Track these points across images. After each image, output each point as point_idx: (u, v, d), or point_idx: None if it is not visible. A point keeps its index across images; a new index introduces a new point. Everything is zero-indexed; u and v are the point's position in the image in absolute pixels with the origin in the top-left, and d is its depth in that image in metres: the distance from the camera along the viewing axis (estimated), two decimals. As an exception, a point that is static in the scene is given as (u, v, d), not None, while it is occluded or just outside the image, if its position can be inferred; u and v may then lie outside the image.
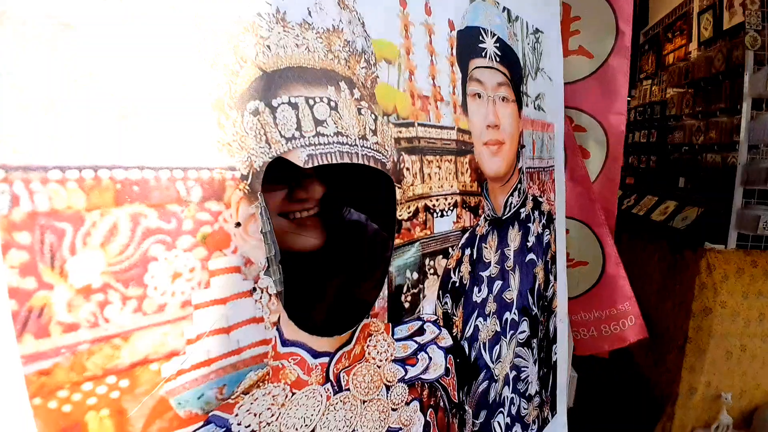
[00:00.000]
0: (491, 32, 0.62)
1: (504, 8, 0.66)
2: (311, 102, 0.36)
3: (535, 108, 0.75)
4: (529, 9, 0.75)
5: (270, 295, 0.34)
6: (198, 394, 0.30)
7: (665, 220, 2.04)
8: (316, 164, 0.36)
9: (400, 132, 0.46)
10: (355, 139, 0.40)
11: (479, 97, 0.60)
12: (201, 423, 0.30)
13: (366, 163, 0.41)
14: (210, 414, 0.31)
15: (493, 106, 0.63)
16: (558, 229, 0.87)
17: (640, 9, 3.32)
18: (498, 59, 0.63)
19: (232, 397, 0.32)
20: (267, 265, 0.33)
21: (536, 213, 0.77)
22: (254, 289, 0.33)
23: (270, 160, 0.33)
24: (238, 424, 0.32)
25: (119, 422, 0.27)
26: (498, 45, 0.64)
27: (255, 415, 0.34)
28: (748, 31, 1.61)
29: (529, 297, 0.76)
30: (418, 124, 0.48)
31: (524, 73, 0.71)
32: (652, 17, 3.27)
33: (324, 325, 0.39)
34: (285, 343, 0.35)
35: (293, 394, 0.36)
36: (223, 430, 0.32)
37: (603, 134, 0.99)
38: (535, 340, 0.79)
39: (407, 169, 0.47)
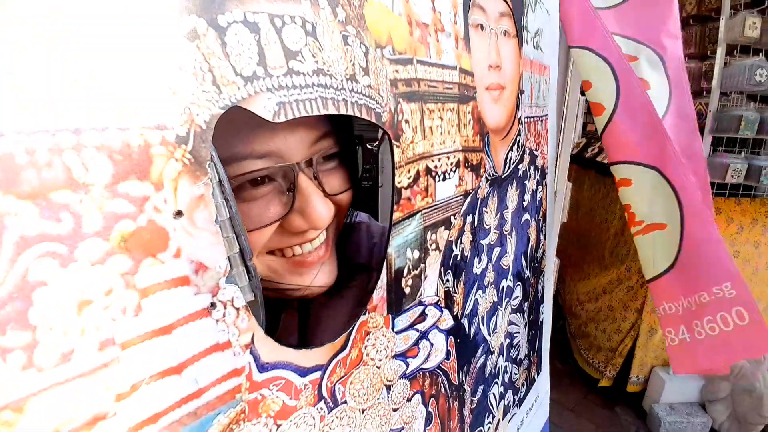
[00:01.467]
0: (493, -55, 0.50)
1: None
2: (278, 23, 0.25)
3: (534, 46, 0.65)
4: None
5: (237, 309, 0.24)
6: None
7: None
8: (289, 116, 0.25)
9: (397, 71, 0.35)
10: (341, 81, 0.29)
11: (482, 28, 0.49)
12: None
13: (358, 114, 0.30)
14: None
15: (495, 41, 0.53)
16: (549, 183, 0.80)
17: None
18: (500, -17, 0.52)
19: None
20: (229, 267, 0.23)
21: (532, 168, 0.69)
22: (213, 304, 0.23)
23: (221, 111, 0.22)
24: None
25: None
26: (501, -37, 0.52)
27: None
28: None
29: (523, 260, 0.70)
30: (417, 62, 0.37)
31: (525, 3, 0.60)
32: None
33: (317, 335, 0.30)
34: (263, 368, 0.26)
35: (278, 427, 0.28)
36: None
37: (659, 60, 0.87)
38: (526, 304, 0.75)
39: (406, 121, 0.36)
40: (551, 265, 0.86)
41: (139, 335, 0.20)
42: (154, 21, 0.19)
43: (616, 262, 2.13)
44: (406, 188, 0.37)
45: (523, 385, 0.78)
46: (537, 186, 0.73)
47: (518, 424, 0.79)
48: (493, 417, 0.66)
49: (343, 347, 0.33)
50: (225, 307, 0.23)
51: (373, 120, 0.32)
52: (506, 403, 0.71)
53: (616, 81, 0.81)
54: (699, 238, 0.74)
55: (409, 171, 0.37)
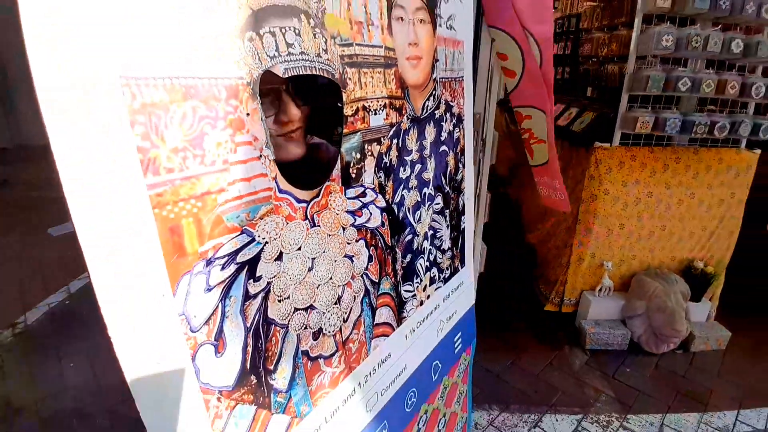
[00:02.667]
0: (410, -36, 0.79)
1: (420, -59, 0.82)
2: (283, 30, 0.55)
3: (447, 28, 0.95)
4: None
5: (269, 160, 0.55)
6: (236, 215, 0.52)
7: (568, 125, 2.41)
8: (290, 75, 0.56)
9: (343, 50, 0.65)
10: (313, 56, 0.59)
11: (402, 20, 0.79)
12: (239, 232, 0.53)
13: (321, 74, 0.61)
14: (243, 228, 0.54)
15: (413, 27, 0.83)
16: (467, 127, 1.12)
17: None
18: (416, -13, 0.81)
19: (254, 220, 0.55)
20: (267, 141, 0.54)
21: (448, 114, 1.01)
22: (260, 156, 0.54)
23: (262, 72, 0.52)
24: (258, 236, 0.56)
25: (198, 226, 0.49)
26: (415, -25, 0.81)
27: (267, 232, 0.57)
28: None
29: (443, 178, 1.03)
30: (356, 44, 0.68)
31: (438, -3, 0.90)
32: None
33: (303, 182, 0.62)
34: (280, 191, 0.58)
35: (287, 223, 0.60)
36: (250, 238, 0.55)
37: (534, 42, 1.20)
38: (447, 211, 1.08)
39: (350, 78, 0.67)
40: (470, 188, 1.20)
41: (235, 161, 0.51)
42: (231, 34, 0.49)
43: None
44: (350, 116, 0.68)
45: (447, 269, 1.14)
46: (453, 128, 1.05)
47: (444, 296, 1.14)
48: (421, 280, 1.00)
49: (318, 194, 0.65)
50: (265, 159, 0.55)
51: (330, 77, 0.62)
52: (432, 275, 1.05)
53: (522, 55, 1.15)
54: (553, 157, 1.31)
55: (352, 107, 0.68)
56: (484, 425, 1.78)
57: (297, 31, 0.56)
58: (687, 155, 2.12)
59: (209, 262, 0.50)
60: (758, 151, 2.17)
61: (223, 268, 0.52)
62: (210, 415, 0.53)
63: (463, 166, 1.14)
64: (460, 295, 1.24)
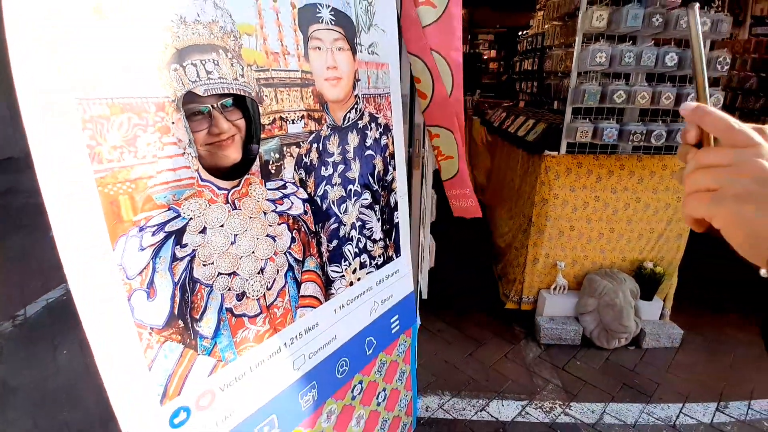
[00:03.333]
0: (326, 5, 1.00)
1: (337, -14, 1.03)
2: (203, 62, 0.74)
3: (368, 53, 1.15)
4: (365, -20, 1.12)
5: (191, 156, 0.75)
6: (164, 196, 0.72)
7: (524, 135, 2.61)
8: (209, 94, 0.76)
9: (260, 75, 0.85)
10: (231, 80, 0.79)
11: (319, 49, 0.99)
12: (166, 208, 0.72)
13: (239, 92, 0.80)
14: (170, 205, 0.73)
15: (332, 54, 1.03)
16: (395, 135, 1.32)
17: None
18: (333, 23, 1.02)
19: (179, 200, 0.74)
20: (189, 142, 0.74)
21: (373, 124, 1.20)
22: (184, 152, 0.73)
23: (185, 92, 0.72)
24: (183, 213, 0.75)
25: (132, 202, 0.68)
26: (333, 12, 1.01)
27: (192, 210, 0.76)
28: None
29: (370, 178, 1.22)
30: (272, 70, 0.88)
31: (357, 29, 1.10)
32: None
33: (223, 175, 0.81)
34: (201, 179, 0.77)
35: (209, 205, 0.79)
36: (176, 214, 0.74)
37: (447, 66, 1.41)
38: (377, 206, 1.27)
39: (266, 96, 0.87)
40: (402, 187, 1.39)
41: (163, 156, 0.70)
42: (159, 66, 0.69)
43: (519, 212, 2.70)
44: (267, 125, 0.88)
45: (380, 256, 1.32)
46: (380, 135, 1.24)
47: (377, 280, 1.33)
48: (349, 264, 1.19)
49: (238, 184, 0.84)
50: (188, 155, 0.74)
51: (247, 95, 0.82)
52: (362, 261, 1.24)
53: (432, 81, 1.36)
54: (463, 168, 1.49)
55: (269, 117, 0.88)
56: (434, 408, 1.95)
57: (216, 61, 0.76)
58: (631, 162, 2.31)
59: (141, 229, 0.69)
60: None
61: (153, 234, 0.71)
62: (143, 345, 0.71)
63: (394, 169, 1.33)
64: (396, 281, 1.42)
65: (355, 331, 1.26)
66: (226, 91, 0.78)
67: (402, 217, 1.41)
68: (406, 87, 1.48)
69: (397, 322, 1.47)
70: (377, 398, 1.45)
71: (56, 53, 0.57)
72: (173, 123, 0.71)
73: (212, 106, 0.80)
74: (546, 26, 3.08)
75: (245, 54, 0.82)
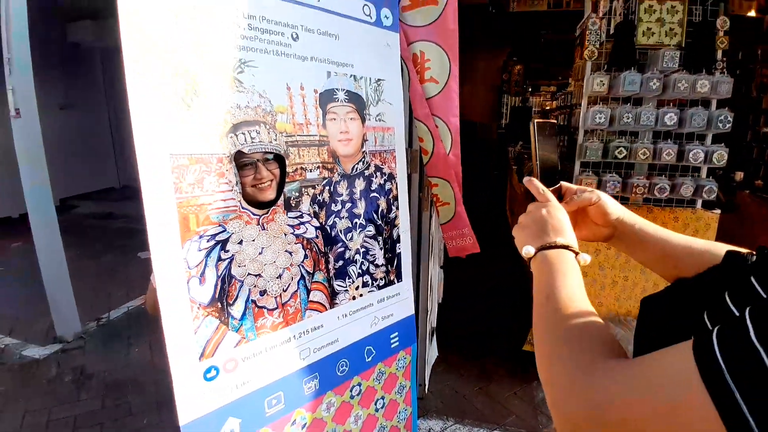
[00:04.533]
0: (342, 89, 1.39)
1: (352, 75, 1.42)
2: (250, 131, 1.14)
3: (376, 120, 1.52)
4: (375, 66, 1.51)
5: (237, 191, 1.13)
6: (217, 216, 1.10)
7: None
8: (253, 152, 1.15)
9: (288, 139, 1.24)
10: (267, 143, 1.18)
11: (335, 119, 1.38)
12: (218, 225, 1.10)
13: (273, 151, 1.19)
14: (220, 223, 1.11)
15: (345, 122, 1.41)
16: (399, 182, 1.65)
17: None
18: (346, 101, 1.40)
19: (227, 220, 1.12)
20: (236, 183, 1.12)
21: (378, 173, 1.55)
22: (232, 189, 1.12)
23: (236, 150, 1.11)
24: (229, 229, 1.12)
25: (197, 218, 1.06)
26: (346, 93, 1.40)
27: (233, 228, 1.13)
28: (588, 46, 2.33)
29: (374, 214, 1.56)
30: (297, 135, 1.26)
31: (367, 104, 1.48)
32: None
33: (257, 206, 1.18)
34: (242, 207, 1.15)
35: (246, 225, 1.16)
36: (223, 229, 1.12)
37: (447, 129, 1.75)
38: (380, 237, 1.59)
39: (291, 153, 1.25)
40: (405, 224, 1.70)
41: (217, 191, 1.09)
42: (221, 135, 1.09)
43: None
44: (291, 173, 1.25)
45: (382, 278, 1.62)
46: (385, 182, 1.58)
47: (378, 299, 1.61)
48: (352, 281, 1.50)
49: (266, 212, 1.21)
50: (235, 191, 1.12)
51: (277, 152, 1.21)
52: (365, 280, 1.54)
53: (433, 141, 1.70)
54: (460, 211, 1.69)
55: (293, 167, 1.26)
56: (437, 431, 2.11)
57: (258, 131, 1.16)
58: (641, 213, 2.41)
59: (200, 237, 1.07)
60: (717, 212, 2.42)
61: (208, 241, 1.08)
62: (192, 315, 1.07)
63: (397, 208, 1.65)
64: (396, 302, 1.70)
65: (355, 338, 1.54)
66: (264, 151, 1.17)
67: (404, 248, 1.71)
68: (416, 143, 1.83)
69: (397, 338, 1.73)
70: (375, 404, 1.69)
71: (159, 128, 0.99)
72: (227, 170, 1.10)
73: (257, 159, 1.19)
74: (572, 87, 3.35)
75: (278, 125, 1.21)
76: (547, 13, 3.98)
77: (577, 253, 0.67)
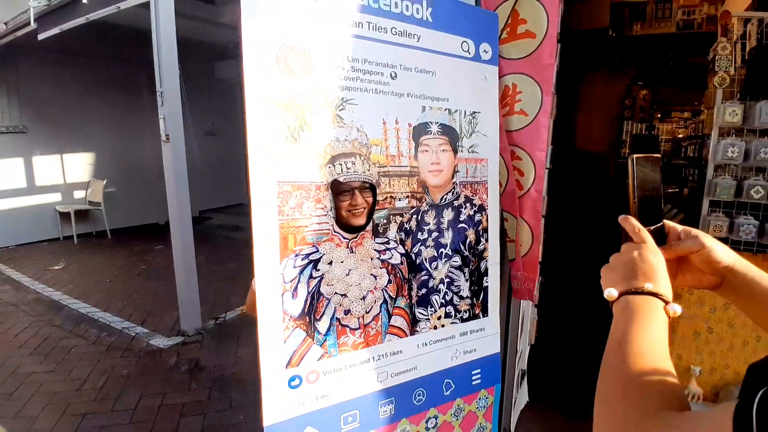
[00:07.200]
0: (435, 122, 1.44)
1: (446, 109, 1.46)
2: (347, 161, 1.25)
3: (468, 152, 1.53)
4: (470, 99, 1.53)
5: (331, 216, 1.23)
6: (312, 237, 1.21)
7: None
8: (348, 180, 1.24)
9: (380, 170, 1.32)
10: (361, 173, 1.27)
11: (427, 151, 1.42)
12: (312, 245, 1.21)
13: (368, 181, 1.28)
14: (314, 243, 1.21)
15: (437, 154, 1.45)
16: (491, 215, 1.62)
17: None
18: (439, 133, 1.44)
19: (320, 242, 1.22)
20: (331, 208, 1.23)
21: (468, 204, 1.55)
22: (326, 214, 1.22)
23: (332, 179, 1.22)
24: (321, 250, 1.23)
25: (294, 239, 1.18)
26: (440, 126, 1.44)
27: (325, 249, 1.23)
28: (718, 72, 2.04)
29: (461, 245, 1.55)
30: (389, 166, 1.34)
31: (460, 136, 1.50)
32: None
33: (348, 230, 1.27)
34: (334, 231, 1.25)
35: (336, 248, 1.26)
36: (316, 249, 1.22)
37: (531, 163, 1.69)
38: (467, 269, 1.57)
39: (383, 182, 1.32)
40: (495, 255, 1.65)
41: (314, 215, 1.20)
42: (322, 165, 1.21)
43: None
44: (381, 201, 1.32)
45: (466, 311, 1.58)
46: (474, 213, 1.57)
47: (461, 332, 1.58)
48: (435, 310, 1.50)
49: (356, 237, 1.29)
50: (330, 216, 1.23)
51: (371, 181, 1.29)
52: (447, 311, 1.53)
53: (507, 174, 1.66)
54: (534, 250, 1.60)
55: (383, 197, 1.33)
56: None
57: (353, 162, 1.26)
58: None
59: (296, 255, 1.18)
60: None
61: (303, 260, 1.20)
62: (284, 326, 1.18)
63: (486, 241, 1.62)
64: (480, 337, 1.64)
65: (434, 369, 1.52)
66: (358, 180, 1.27)
67: (492, 282, 1.66)
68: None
69: (479, 375, 1.66)
70: (452, 441, 1.63)
71: (270, 158, 1.13)
72: (323, 197, 1.21)
73: (355, 187, 1.29)
74: (704, 115, 2.92)
75: (373, 157, 1.30)
76: (676, 35, 3.57)
77: (667, 303, 0.61)
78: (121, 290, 4.46)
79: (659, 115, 5.61)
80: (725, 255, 0.70)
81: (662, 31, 3.69)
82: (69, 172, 6.91)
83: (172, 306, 3.57)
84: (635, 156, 0.74)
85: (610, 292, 0.64)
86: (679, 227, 0.74)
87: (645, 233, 0.67)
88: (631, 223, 0.69)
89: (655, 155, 0.77)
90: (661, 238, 0.72)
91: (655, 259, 0.65)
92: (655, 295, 0.61)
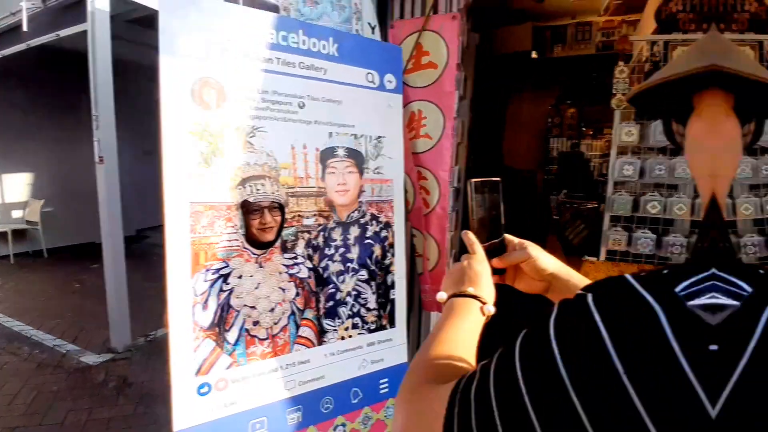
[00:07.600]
0: (342, 146, 1.84)
1: (353, 134, 1.87)
2: (257, 183, 1.60)
3: (374, 173, 1.95)
4: (376, 125, 1.95)
5: (241, 233, 1.57)
6: (222, 253, 1.54)
7: (572, 238, 3.10)
8: (258, 201, 1.60)
9: (288, 190, 1.69)
10: (270, 194, 1.63)
11: (333, 173, 1.82)
12: (222, 261, 1.54)
13: (276, 201, 1.64)
14: (224, 259, 1.55)
15: (343, 176, 1.84)
16: (397, 231, 2.04)
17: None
18: (346, 156, 1.85)
19: (230, 257, 1.56)
20: (240, 226, 1.57)
21: (374, 222, 1.96)
22: (236, 232, 1.56)
23: (242, 200, 1.57)
24: (231, 265, 1.56)
25: (206, 255, 1.51)
26: (346, 149, 1.85)
27: (235, 264, 1.57)
28: (616, 94, 2.64)
29: (368, 260, 1.95)
30: (297, 187, 1.71)
31: (366, 158, 1.92)
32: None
33: (257, 246, 1.62)
34: (244, 247, 1.59)
35: (246, 263, 1.60)
36: (226, 264, 1.55)
37: (436, 182, 2.15)
38: (373, 282, 1.97)
39: (291, 202, 1.69)
40: (401, 269, 2.07)
41: (225, 233, 1.54)
42: (232, 187, 1.56)
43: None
44: (289, 219, 1.69)
45: (373, 322, 1.98)
46: (381, 230, 1.98)
47: (368, 342, 1.97)
48: (342, 321, 1.88)
49: (265, 252, 1.64)
50: (239, 233, 1.57)
51: (279, 201, 1.65)
52: (354, 321, 1.91)
53: (414, 193, 2.11)
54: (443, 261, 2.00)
55: (291, 215, 1.70)
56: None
57: (263, 184, 1.61)
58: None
59: (207, 270, 1.51)
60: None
61: (213, 274, 1.52)
62: (194, 336, 1.49)
63: (392, 255, 2.04)
64: (388, 348, 2.04)
65: (342, 377, 1.90)
66: (267, 200, 1.62)
67: (399, 294, 2.07)
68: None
69: (387, 384, 2.06)
70: (361, 448, 2.00)
71: (183, 181, 1.46)
72: (234, 215, 1.55)
73: (265, 206, 1.64)
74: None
75: (281, 179, 1.67)
76: (596, 56, 4.34)
77: (484, 304, 0.83)
78: (55, 309, 5.04)
79: (591, 132, 6.53)
80: (549, 263, 0.91)
81: (582, 52, 4.45)
82: (7, 192, 7.61)
83: (104, 324, 4.06)
84: (473, 180, 1.08)
85: (441, 296, 0.82)
86: (516, 240, 0.98)
87: (477, 246, 0.98)
88: (469, 237, 0.92)
89: (493, 179, 1.09)
90: (501, 250, 0.97)
91: (480, 267, 0.91)
92: (475, 297, 0.79)
